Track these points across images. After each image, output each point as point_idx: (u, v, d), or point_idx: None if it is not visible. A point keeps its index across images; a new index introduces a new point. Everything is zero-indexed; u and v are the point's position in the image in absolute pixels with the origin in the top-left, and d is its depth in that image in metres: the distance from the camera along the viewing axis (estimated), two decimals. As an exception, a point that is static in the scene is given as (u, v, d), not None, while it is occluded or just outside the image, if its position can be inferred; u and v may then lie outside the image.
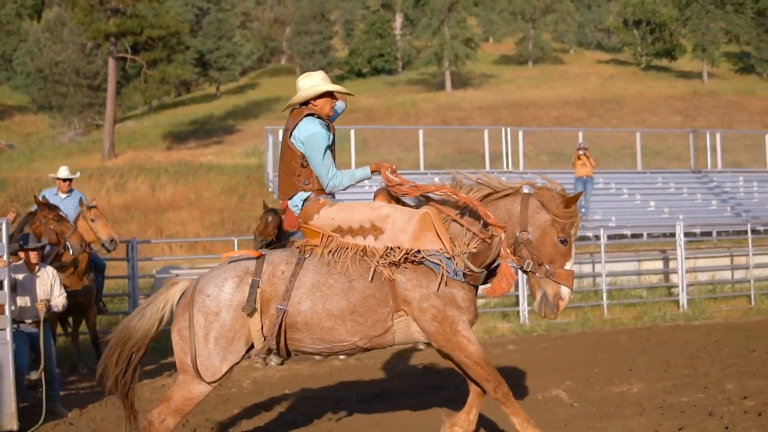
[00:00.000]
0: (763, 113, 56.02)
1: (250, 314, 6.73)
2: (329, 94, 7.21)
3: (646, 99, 58.44)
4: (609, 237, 23.92)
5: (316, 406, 10.80)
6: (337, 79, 76.11)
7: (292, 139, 7.03)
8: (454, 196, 7.04)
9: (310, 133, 6.94)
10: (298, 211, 7.17)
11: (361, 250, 6.84)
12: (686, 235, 20.58)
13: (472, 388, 7.18)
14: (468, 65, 71.05)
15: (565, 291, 6.80)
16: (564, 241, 6.82)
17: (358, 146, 50.26)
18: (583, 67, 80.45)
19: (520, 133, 30.25)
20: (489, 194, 7.13)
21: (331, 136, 7.15)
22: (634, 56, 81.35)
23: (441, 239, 6.83)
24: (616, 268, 20.70)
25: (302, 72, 51.76)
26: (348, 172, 7.09)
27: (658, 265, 21.39)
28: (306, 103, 7.19)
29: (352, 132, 30.41)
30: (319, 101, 7.16)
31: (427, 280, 6.77)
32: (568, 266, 6.84)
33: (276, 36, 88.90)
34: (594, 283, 20.43)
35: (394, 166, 7.13)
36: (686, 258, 20.03)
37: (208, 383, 6.75)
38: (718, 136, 31.81)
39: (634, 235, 24.50)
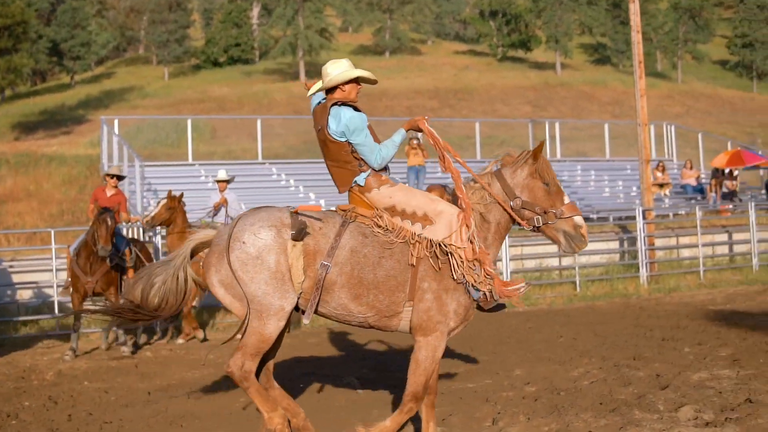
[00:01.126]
0: (612, 103, 57.17)
1: (294, 260, 6.83)
2: (356, 81, 7.27)
3: (498, 89, 59.04)
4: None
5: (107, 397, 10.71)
6: (193, 69, 75.00)
7: (330, 134, 7.11)
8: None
9: (347, 120, 7.04)
10: (359, 186, 7.22)
11: (406, 234, 6.99)
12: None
13: (424, 407, 7.28)
14: (324, 55, 70.67)
15: (579, 219, 7.18)
16: (547, 183, 7.16)
17: (207, 135, 49.63)
18: (440, 57, 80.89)
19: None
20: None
21: (365, 117, 7.24)
22: (491, 47, 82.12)
23: (481, 254, 7.01)
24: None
25: (158, 62, 50.68)
26: (388, 142, 7.18)
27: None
28: (333, 90, 7.27)
29: (189, 122, 29.41)
30: (347, 86, 7.24)
31: (441, 277, 6.95)
32: (566, 200, 7.22)
33: (132, 25, 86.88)
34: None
35: (427, 117, 7.39)
36: (511, 246, 20.08)
37: (277, 320, 6.82)
38: (557, 125, 32.06)
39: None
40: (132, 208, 21.65)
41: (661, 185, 29.03)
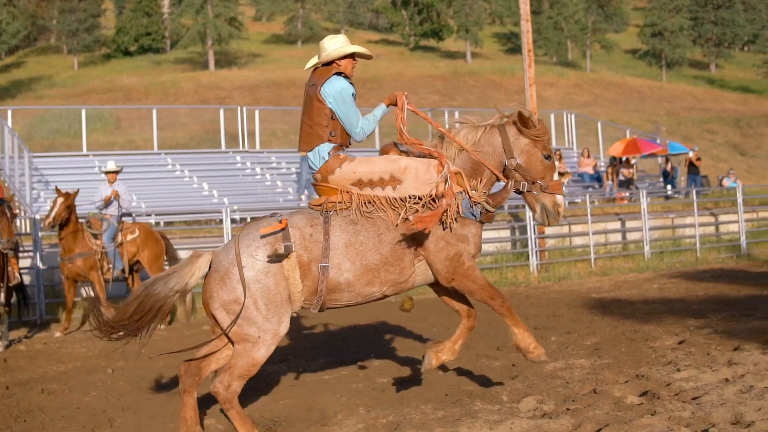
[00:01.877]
0: (520, 92, 57.14)
1: (291, 272, 6.95)
2: (351, 56, 7.52)
3: (407, 78, 59.03)
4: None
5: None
6: (104, 58, 73.76)
7: (322, 94, 7.28)
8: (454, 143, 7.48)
9: (339, 89, 7.26)
10: (319, 163, 7.36)
11: (383, 201, 7.16)
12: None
13: (462, 321, 7.75)
14: (235, 44, 70.12)
15: (560, 198, 7.49)
16: (548, 157, 7.50)
17: (111, 126, 48.89)
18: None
19: (257, 113, 29.59)
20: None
21: (354, 91, 7.46)
22: (403, 37, 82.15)
23: (460, 185, 7.27)
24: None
25: (69, 51, 49.55)
26: (369, 116, 7.45)
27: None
28: (329, 63, 7.47)
29: (83, 112, 28.83)
30: (343, 62, 7.47)
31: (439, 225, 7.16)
32: (555, 177, 7.53)
33: (43, 14, 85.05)
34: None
35: (407, 93, 7.70)
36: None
37: (270, 344, 6.96)
38: (456, 114, 32.09)
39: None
40: (22, 200, 21.17)
41: (561, 174, 29.20)
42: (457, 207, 7.18)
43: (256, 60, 71.04)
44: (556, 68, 68.75)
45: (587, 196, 23.70)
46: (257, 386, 9.09)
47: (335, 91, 7.27)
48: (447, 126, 7.96)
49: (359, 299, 7.24)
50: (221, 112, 29.56)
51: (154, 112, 29.20)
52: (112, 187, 15.86)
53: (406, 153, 7.59)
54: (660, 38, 76.73)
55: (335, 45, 7.46)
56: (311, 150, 7.37)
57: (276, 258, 6.89)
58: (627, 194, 27.32)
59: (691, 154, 29.74)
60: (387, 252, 7.11)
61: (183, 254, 16.22)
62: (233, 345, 7.07)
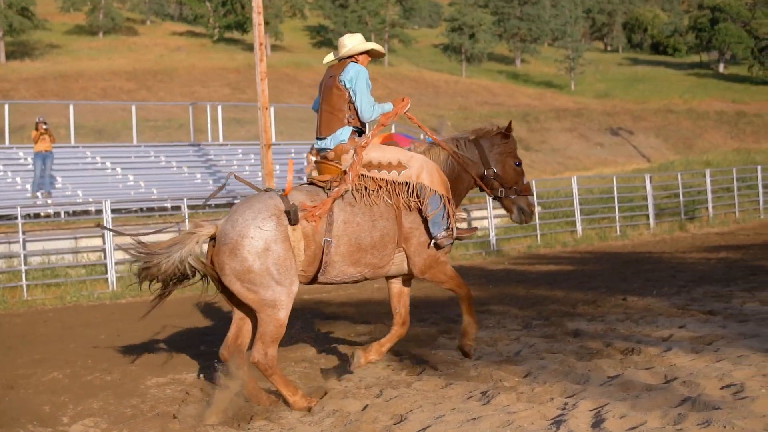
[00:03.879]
0: (313, 85, 57.08)
1: (296, 242, 7.39)
2: (367, 52, 8.19)
3: (199, 71, 58.00)
4: (74, 213, 22.84)
5: None
6: None
7: (340, 81, 7.84)
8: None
9: (356, 71, 7.85)
10: (332, 145, 7.90)
11: (385, 183, 7.81)
12: (161, 209, 22.05)
13: (394, 326, 8.26)
14: (35, 35, 67.71)
15: (531, 198, 8.48)
16: (519, 164, 8.42)
17: None
18: (156, 38, 78.89)
19: (6, 107, 28.26)
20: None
21: (368, 75, 8.05)
22: (207, 28, 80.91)
23: (446, 190, 8.01)
24: (50, 246, 19.42)
25: None
26: (380, 105, 8.07)
27: (99, 242, 20.22)
28: (347, 59, 8.07)
29: None
30: (360, 57, 8.13)
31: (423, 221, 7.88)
32: (525, 181, 8.44)
33: None
34: (16, 263, 18.84)
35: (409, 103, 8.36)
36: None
37: (288, 303, 7.38)
38: (219, 108, 31.43)
39: (98, 211, 23.28)
40: None
41: (319, 169, 28.84)
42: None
43: (52, 51, 68.60)
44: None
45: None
46: None
47: (353, 73, 7.85)
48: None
49: (342, 277, 7.76)
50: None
51: None
52: None
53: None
54: (460, 33, 77.63)
55: (354, 42, 8.10)
56: (332, 134, 7.91)
57: (292, 220, 7.34)
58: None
59: (311, 155, 29.68)
60: (376, 237, 7.70)
61: None
62: (256, 313, 7.44)
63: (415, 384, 8.11)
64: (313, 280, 7.75)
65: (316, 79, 59.14)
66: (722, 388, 6.89)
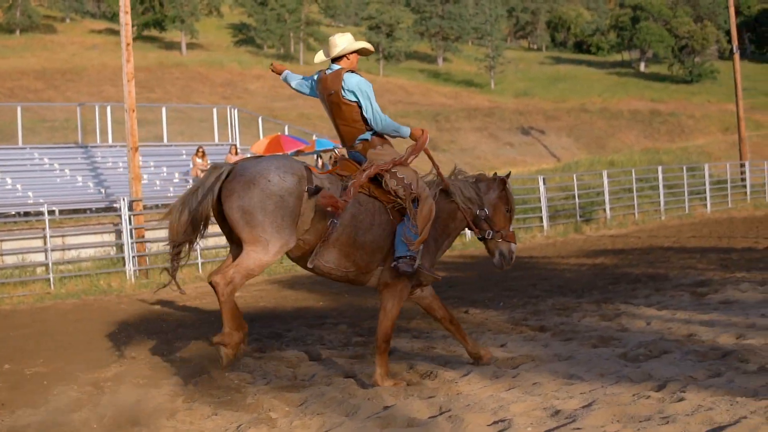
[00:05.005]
0: (224, 85, 56.35)
1: (307, 210, 7.45)
2: (356, 51, 8.20)
3: (109, 71, 56.65)
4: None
5: None
6: None
7: (345, 96, 7.93)
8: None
9: (357, 82, 7.91)
10: (362, 139, 8.12)
11: (390, 191, 7.95)
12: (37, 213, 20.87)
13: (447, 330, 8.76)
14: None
15: (514, 246, 8.72)
16: (509, 211, 8.73)
17: None
18: (74, 36, 77.34)
19: None
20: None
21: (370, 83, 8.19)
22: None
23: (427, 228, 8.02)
24: None
25: None
26: (391, 121, 8.07)
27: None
28: (339, 58, 8.10)
29: None
30: (352, 56, 8.16)
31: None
32: (511, 228, 8.74)
33: None
34: None
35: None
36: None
37: (276, 252, 7.33)
38: (108, 109, 30.45)
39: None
40: None
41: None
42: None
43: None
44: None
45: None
46: None
47: (353, 84, 7.91)
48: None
49: (330, 267, 7.81)
50: None
51: None
52: None
53: None
54: (377, 31, 77.05)
55: (345, 41, 8.13)
56: (357, 141, 8.13)
57: (312, 191, 7.39)
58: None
59: (336, 152, 29.10)
60: (370, 239, 7.87)
61: None
62: (243, 246, 7.31)
63: (181, 414, 7.40)
64: (302, 259, 7.82)
65: (227, 78, 58.67)
66: (489, 424, 6.29)
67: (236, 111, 32.74)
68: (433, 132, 51.00)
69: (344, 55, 8.10)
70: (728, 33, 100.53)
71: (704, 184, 33.39)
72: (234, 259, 7.59)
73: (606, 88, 74.24)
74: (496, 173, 8.96)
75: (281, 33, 76.22)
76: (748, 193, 36.04)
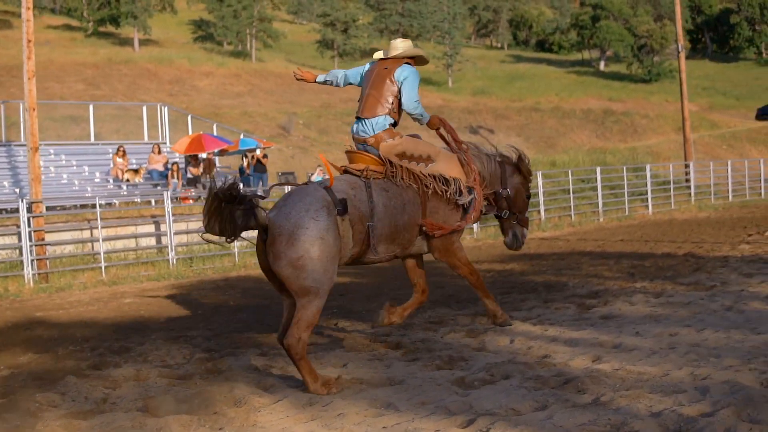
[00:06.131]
0: (172, 82, 55.44)
1: (345, 231, 7.85)
2: (413, 57, 8.87)
3: (57, 67, 55.63)
4: None
5: None
6: None
7: (395, 76, 8.56)
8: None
9: (412, 71, 8.68)
10: (375, 131, 8.59)
11: (414, 174, 8.52)
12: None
13: (415, 293, 9.18)
14: None
15: (526, 231, 9.46)
16: (529, 197, 9.48)
17: None
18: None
19: None
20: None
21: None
22: (81, 21, 78.60)
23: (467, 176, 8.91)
24: None
25: None
26: (419, 105, 8.75)
27: None
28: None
29: None
30: (410, 59, 8.79)
31: (444, 206, 8.70)
32: (526, 214, 9.46)
33: None
34: None
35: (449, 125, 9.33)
36: None
37: (327, 292, 7.70)
38: (21, 106, 29.53)
39: None
40: None
41: (136, 171, 27.29)
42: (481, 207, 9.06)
43: None
44: (218, 57, 66.99)
45: (96, 198, 21.62)
46: None
47: (409, 72, 8.62)
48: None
49: (383, 255, 8.36)
50: None
51: None
52: None
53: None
54: (332, 28, 76.25)
55: (406, 46, 8.85)
56: (373, 117, 8.57)
57: (341, 210, 7.75)
58: (192, 193, 25.67)
59: (258, 152, 28.38)
60: (406, 219, 8.41)
61: None
62: (296, 299, 7.63)
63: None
64: (356, 261, 8.32)
65: (176, 75, 57.66)
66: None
67: (166, 109, 31.94)
68: (378, 130, 50.36)
69: (403, 57, 8.79)
70: (689, 32, 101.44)
71: (646, 185, 32.91)
72: (287, 310, 7.93)
73: (564, 87, 73.83)
74: (520, 153, 9.60)
75: (237, 30, 75.28)
76: (692, 194, 35.60)
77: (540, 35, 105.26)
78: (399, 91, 8.61)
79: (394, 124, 8.72)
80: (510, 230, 9.53)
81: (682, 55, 37.70)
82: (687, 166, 36.66)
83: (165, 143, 30.81)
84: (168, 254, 21.01)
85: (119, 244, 21.48)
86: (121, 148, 26.81)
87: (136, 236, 21.73)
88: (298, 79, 9.64)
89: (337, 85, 9.47)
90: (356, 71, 9.21)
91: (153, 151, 27.61)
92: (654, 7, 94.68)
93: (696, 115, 63.93)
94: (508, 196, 9.33)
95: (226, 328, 12.00)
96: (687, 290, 12.61)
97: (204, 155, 27.59)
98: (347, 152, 8.80)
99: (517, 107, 62.76)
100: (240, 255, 21.69)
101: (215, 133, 30.69)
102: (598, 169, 30.89)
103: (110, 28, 77.08)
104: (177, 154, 27.97)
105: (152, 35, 74.67)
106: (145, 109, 31.66)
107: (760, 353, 8.02)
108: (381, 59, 8.93)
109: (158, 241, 21.96)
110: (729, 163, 38.98)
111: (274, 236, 7.59)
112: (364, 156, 8.62)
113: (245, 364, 9.11)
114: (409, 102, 8.64)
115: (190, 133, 30.69)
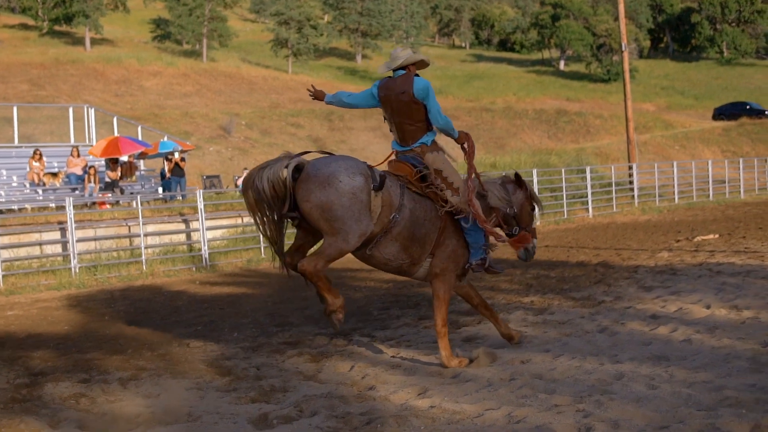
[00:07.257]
0: (119, 82, 54.56)
1: (375, 206, 8.12)
2: (415, 63, 8.94)
3: (2, 66, 54.63)
4: None
5: None
6: None
7: (416, 96, 8.63)
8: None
9: (425, 85, 8.69)
10: (422, 142, 8.80)
11: (441, 198, 8.67)
12: None
13: (483, 314, 9.74)
14: None
15: (535, 241, 9.64)
16: (533, 209, 9.66)
17: None
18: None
19: None
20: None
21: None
22: (36, 20, 77.60)
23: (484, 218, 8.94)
24: None
25: None
26: (449, 121, 8.82)
27: None
28: (401, 69, 8.90)
29: None
30: (412, 66, 8.91)
31: (456, 236, 8.85)
32: (533, 225, 9.72)
33: None
34: None
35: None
36: None
37: (357, 240, 7.99)
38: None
39: None
40: None
41: (55, 174, 26.49)
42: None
43: None
44: (168, 57, 66.08)
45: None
46: None
47: (422, 87, 8.62)
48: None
49: (389, 258, 8.48)
50: None
51: None
52: None
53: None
54: (287, 27, 75.41)
55: (406, 54, 8.85)
56: (418, 141, 8.73)
57: (377, 186, 8.04)
58: (109, 197, 24.89)
59: (176, 155, 27.58)
60: (423, 233, 8.54)
61: None
62: (324, 237, 7.99)
63: None
64: (360, 248, 8.28)
65: (123, 75, 56.75)
66: None
67: (93, 110, 31.13)
68: (323, 131, 49.84)
69: (405, 66, 8.83)
70: (650, 31, 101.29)
71: (587, 188, 32.37)
72: (301, 240, 8.46)
73: (522, 87, 73.41)
74: (516, 172, 9.76)
75: (192, 29, 74.35)
76: (636, 196, 35.08)
77: (502, 35, 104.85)
78: (425, 107, 8.68)
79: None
80: (521, 245, 9.61)
81: (626, 54, 37.22)
82: (630, 167, 36.14)
83: (77, 146, 29.96)
84: (70, 261, 20.22)
85: (23, 252, 20.65)
86: (38, 152, 25.98)
87: (40, 243, 20.88)
88: (312, 98, 9.50)
89: (342, 107, 9.45)
90: (365, 94, 9.12)
91: (72, 155, 26.77)
92: (614, 6, 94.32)
93: (651, 115, 63.62)
94: (515, 214, 9.44)
95: (83, 344, 11.24)
96: (573, 306, 12.07)
97: (125, 158, 26.79)
98: (390, 162, 8.94)
99: (467, 108, 62.19)
100: (147, 263, 20.92)
101: (139, 136, 29.90)
102: (535, 172, 30.29)
103: (66, 28, 76.03)
104: (92, 157, 27.20)
105: (106, 34, 73.76)
106: (71, 110, 30.77)
107: (599, 389, 7.44)
108: (389, 78, 8.97)
109: (64, 248, 21.11)
110: (674, 164, 38.52)
111: (308, 176, 7.95)
112: (404, 165, 8.77)
113: (61, 394, 8.38)
114: (437, 118, 8.71)
115: (116, 134, 29.92)
